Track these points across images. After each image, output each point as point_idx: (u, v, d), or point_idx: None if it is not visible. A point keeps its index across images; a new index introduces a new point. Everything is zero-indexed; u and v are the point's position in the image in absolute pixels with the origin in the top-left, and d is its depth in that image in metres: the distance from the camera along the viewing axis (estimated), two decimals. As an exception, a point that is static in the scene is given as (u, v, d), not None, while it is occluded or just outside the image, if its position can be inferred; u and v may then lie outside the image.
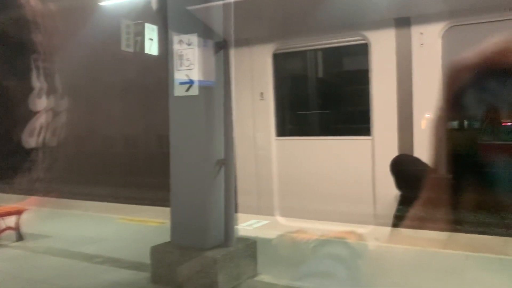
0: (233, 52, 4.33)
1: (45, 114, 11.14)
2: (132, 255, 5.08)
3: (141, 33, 5.14)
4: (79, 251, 5.38)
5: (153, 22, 5.16)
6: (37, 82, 11.17)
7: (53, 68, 10.94)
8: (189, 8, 4.17)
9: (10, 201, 7.64)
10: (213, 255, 3.97)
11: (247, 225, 6.72)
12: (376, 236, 5.79)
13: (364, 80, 6.84)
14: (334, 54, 7.65)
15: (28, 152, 10.91)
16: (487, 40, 1.56)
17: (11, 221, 5.97)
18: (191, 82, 4.14)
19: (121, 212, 7.71)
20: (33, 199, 8.62)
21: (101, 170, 9.74)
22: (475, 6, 5.94)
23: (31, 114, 11.11)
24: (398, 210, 5.67)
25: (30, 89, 11.13)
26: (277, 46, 7.52)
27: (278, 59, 7.61)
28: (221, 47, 4.24)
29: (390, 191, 5.89)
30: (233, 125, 4.32)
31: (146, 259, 4.33)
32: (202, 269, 3.95)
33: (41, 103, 11.18)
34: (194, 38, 4.13)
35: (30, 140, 11.04)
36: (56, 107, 11.09)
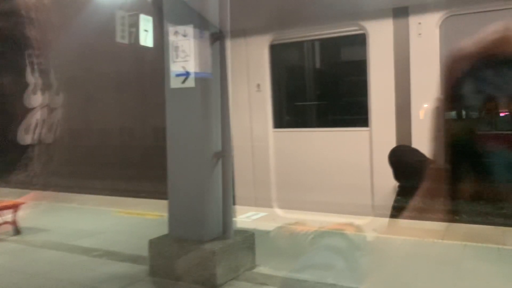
0: (229, 43, 4.28)
1: (41, 111, 11.07)
2: (130, 248, 5.07)
3: (136, 25, 5.08)
4: (77, 245, 5.37)
5: (148, 13, 5.10)
6: (32, 78, 11.08)
7: (47, 63, 10.84)
8: (184, -2, 4.12)
9: (7, 196, 7.62)
10: (212, 248, 3.96)
11: (245, 217, 6.72)
12: (374, 227, 5.79)
13: (362, 71, 6.80)
14: (331, 45, 7.60)
15: (24, 148, 10.87)
16: (485, 29, 1.54)
17: (8, 215, 5.96)
18: (187, 74, 4.10)
19: (118, 205, 7.69)
20: (31, 193, 8.59)
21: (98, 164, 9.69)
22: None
23: (26, 110, 11.04)
24: (396, 201, 5.67)
25: (25, 85, 11.06)
26: (273, 37, 7.47)
27: (275, 50, 7.55)
28: (217, 38, 4.20)
29: (388, 182, 5.89)
30: (230, 117, 4.29)
31: (144, 252, 4.32)
32: (201, 261, 3.95)
33: (36, 99, 11.11)
34: (189, 29, 4.08)
35: (26, 137, 10.98)
36: (51, 103, 11.00)
